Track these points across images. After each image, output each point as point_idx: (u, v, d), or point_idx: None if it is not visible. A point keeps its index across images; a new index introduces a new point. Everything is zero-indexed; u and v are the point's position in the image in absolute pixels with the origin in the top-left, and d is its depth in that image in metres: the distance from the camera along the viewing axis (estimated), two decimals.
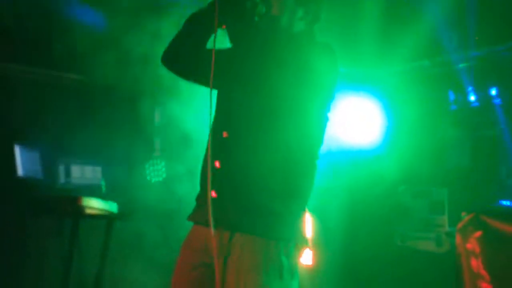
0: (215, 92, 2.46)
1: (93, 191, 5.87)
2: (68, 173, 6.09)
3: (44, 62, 6.35)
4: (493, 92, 6.47)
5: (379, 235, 6.14)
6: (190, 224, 2.59)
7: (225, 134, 2.39)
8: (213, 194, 2.34)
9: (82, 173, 6.17)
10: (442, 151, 6.70)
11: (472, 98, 6.58)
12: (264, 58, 2.40)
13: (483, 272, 4.31)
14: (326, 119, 2.54)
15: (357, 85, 6.88)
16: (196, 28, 2.56)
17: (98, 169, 6.28)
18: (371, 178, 6.46)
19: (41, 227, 5.35)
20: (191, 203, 2.64)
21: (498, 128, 6.28)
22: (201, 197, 2.50)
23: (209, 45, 2.55)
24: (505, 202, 5.36)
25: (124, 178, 6.16)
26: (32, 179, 5.89)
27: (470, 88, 6.57)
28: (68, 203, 4.83)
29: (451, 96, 6.70)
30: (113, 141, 6.40)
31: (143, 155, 6.84)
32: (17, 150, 5.87)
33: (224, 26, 2.50)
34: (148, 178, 6.23)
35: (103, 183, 6.10)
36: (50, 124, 6.14)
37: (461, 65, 6.64)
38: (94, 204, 4.88)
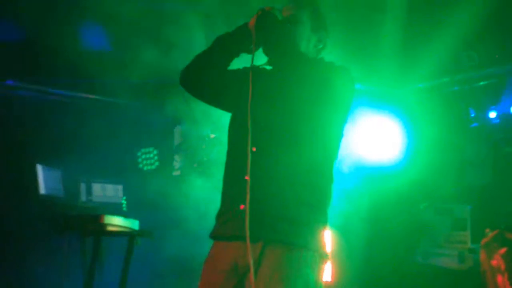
0: (239, 110, 2.63)
1: (114, 209, 5.91)
2: (89, 191, 6.15)
3: (66, 83, 6.44)
4: (491, 113, 6.45)
5: (400, 252, 6.09)
6: (210, 241, 2.61)
7: (253, 149, 2.46)
8: (242, 207, 2.42)
9: (103, 191, 6.22)
10: (464, 168, 6.66)
11: (493, 115, 6.55)
12: (286, 79, 2.59)
13: None
14: (343, 134, 2.69)
15: (378, 102, 6.88)
16: (224, 52, 2.70)
17: (119, 187, 6.33)
18: (392, 195, 6.43)
19: (63, 245, 5.38)
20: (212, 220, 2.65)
21: None
22: (228, 212, 2.55)
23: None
24: None
25: (145, 196, 6.19)
26: (54, 197, 5.94)
27: (491, 106, 6.55)
28: (90, 221, 4.85)
29: (472, 113, 6.67)
30: (134, 159, 6.47)
31: (163, 173, 6.89)
32: (39, 169, 5.94)
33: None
34: (141, 166, 6.18)
35: (124, 201, 6.14)
36: (72, 143, 6.21)
37: (481, 83, 6.62)
38: (115, 222, 4.89)
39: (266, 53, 2.70)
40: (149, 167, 5.56)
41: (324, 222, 2.55)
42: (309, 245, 2.42)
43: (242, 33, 2.66)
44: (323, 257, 2.49)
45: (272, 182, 2.45)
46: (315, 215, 2.50)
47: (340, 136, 2.68)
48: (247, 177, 2.42)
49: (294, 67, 2.61)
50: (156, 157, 6.13)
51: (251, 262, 2.32)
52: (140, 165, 5.36)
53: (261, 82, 2.61)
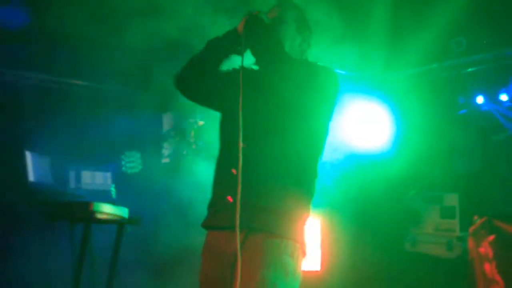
0: (229, 109, 2.81)
1: (104, 197, 5.90)
2: (78, 179, 6.12)
3: (53, 69, 6.39)
4: (502, 96, 6.46)
5: (389, 240, 6.12)
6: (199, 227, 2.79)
7: (243, 145, 2.61)
8: (230, 199, 2.63)
9: (92, 179, 6.19)
10: (452, 155, 6.69)
11: (480, 101, 6.56)
12: (272, 78, 2.76)
13: (497, 277, 4.30)
14: (328, 131, 2.88)
15: (366, 89, 6.88)
16: (215, 55, 2.88)
17: (108, 174, 6.31)
18: (381, 183, 6.44)
19: (52, 233, 5.36)
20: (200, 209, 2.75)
21: (508, 132, 6.26)
22: (217, 203, 2.76)
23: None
24: None
25: (134, 184, 6.18)
26: (43, 185, 5.91)
27: (479, 93, 6.56)
28: (79, 209, 4.84)
29: (460, 100, 6.69)
30: (124, 147, 6.43)
31: (152, 161, 6.87)
32: (28, 156, 5.90)
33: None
34: (123, 169, 6.21)
35: (113, 188, 6.12)
36: (60, 130, 6.17)
37: (469, 69, 6.63)
38: (105, 209, 4.88)
39: (254, 54, 2.86)
40: (132, 170, 5.57)
41: (306, 215, 2.73)
42: (289, 235, 2.62)
43: (232, 37, 2.82)
44: (302, 247, 2.68)
45: (258, 176, 2.64)
46: (298, 207, 2.69)
47: (325, 132, 2.85)
48: (233, 170, 2.61)
49: (279, 66, 2.78)
50: (139, 161, 6.12)
51: (238, 250, 2.47)
52: (124, 168, 5.37)
53: (249, 82, 2.75)
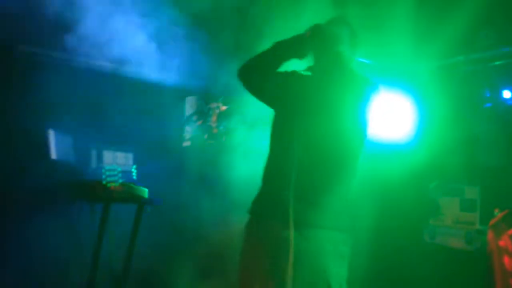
0: (287, 112, 3.14)
1: (125, 177, 5.94)
2: (100, 159, 6.17)
3: (79, 48, 6.42)
4: None
5: (408, 230, 6.09)
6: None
7: (302, 151, 2.97)
8: (286, 195, 2.94)
9: (114, 158, 6.23)
10: (476, 148, 6.62)
11: (507, 95, 6.48)
12: (330, 89, 3.07)
13: None
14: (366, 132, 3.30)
15: (391, 79, 6.82)
16: (283, 55, 3.16)
17: (130, 155, 6.35)
18: (402, 174, 6.40)
19: (72, 211, 5.41)
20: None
21: None
22: (274, 198, 3.04)
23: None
24: None
25: (155, 165, 6.20)
26: (65, 163, 5.96)
27: (506, 86, 6.48)
28: (99, 188, 4.88)
29: (486, 93, 6.61)
30: (145, 128, 6.46)
31: (174, 144, 6.91)
32: (50, 134, 5.95)
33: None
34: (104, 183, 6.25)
35: (134, 169, 6.16)
36: (83, 109, 6.20)
37: (497, 63, 6.55)
38: (125, 189, 4.93)
39: (317, 61, 3.20)
40: (113, 184, 5.63)
41: (350, 207, 3.11)
42: (341, 227, 3.02)
43: (300, 41, 3.12)
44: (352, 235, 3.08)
45: (315, 180, 3.00)
46: (343, 203, 3.06)
47: (364, 137, 3.26)
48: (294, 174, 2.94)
49: (337, 77, 3.10)
50: (120, 174, 6.14)
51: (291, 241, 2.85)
52: (104, 182, 5.48)
53: (307, 89, 3.10)
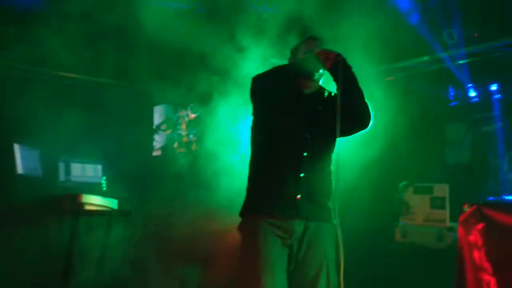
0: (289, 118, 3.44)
1: (94, 189, 5.87)
2: (68, 171, 6.10)
3: (44, 61, 6.36)
4: (493, 87, 6.48)
5: (379, 230, 6.12)
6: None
7: (305, 153, 3.32)
8: (298, 196, 3.31)
9: (82, 171, 6.17)
10: (442, 147, 6.71)
11: (472, 94, 6.58)
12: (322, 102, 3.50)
13: (486, 264, 4.29)
14: None
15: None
16: (297, 73, 3.46)
17: (99, 167, 6.29)
18: (371, 173, 6.44)
19: (41, 225, 5.34)
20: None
21: (498, 123, 6.29)
22: (282, 197, 3.33)
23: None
24: (509, 197, 5.35)
25: (124, 176, 6.16)
26: (32, 177, 5.88)
27: (470, 84, 6.57)
28: (68, 200, 4.83)
29: (451, 92, 6.70)
30: (114, 140, 6.41)
31: (144, 153, 6.87)
32: (16, 148, 5.87)
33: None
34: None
35: (104, 181, 6.10)
36: (50, 123, 6.14)
37: (461, 62, 6.63)
38: (94, 201, 4.88)
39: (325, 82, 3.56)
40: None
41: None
42: (335, 221, 3.43)
43: (317, 65, 3.40)
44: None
45: (317, 180, 3.39)
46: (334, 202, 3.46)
47: None
48: (300, 174, 3.32)
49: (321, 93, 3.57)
50: (105, 183, 6.13)
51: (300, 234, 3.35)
52: (104, 188, 5.45)
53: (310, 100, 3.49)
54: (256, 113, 3.51)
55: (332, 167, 3.48)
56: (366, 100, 3.40)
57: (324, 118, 3.42)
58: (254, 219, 3.36)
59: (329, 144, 3.43)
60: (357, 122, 3.41)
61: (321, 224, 3.43)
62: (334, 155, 3.46)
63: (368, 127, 3.42)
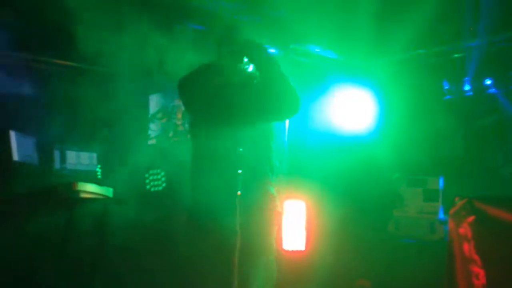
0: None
1: (89, 177, 5.89)
2: (63, 159, 6.10)
3: (41, 49, 6.35)
4: (488, 82, 6.50)
5: (372, 222, 6.17)
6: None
7: (240, 150, 3.27)
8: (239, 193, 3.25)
9: (77, 159, 6.18)
10: (436, 139, 6.73)
11: (467, 88, 6.60)
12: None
13: (475, 257, 4.35)
14: None
15: (353, 73, 6.89)
16: None
17: (94, 155, 6.29)
18: (365, 166, 6.48)
19: (36, 212, 5.36)
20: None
21: (494, 117, 6.31)
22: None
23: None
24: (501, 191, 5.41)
25: (119, 164, 6.17)
26: (28, 165, 5.89)
27: (465, 78, 6.59)
28: (63, 188, 4.84)
29: (446, 85, 6.72)
30: (110, 127, 6.42)
31: (139, 142, 6.86)
32: (12, 136, 5.86)
33: None
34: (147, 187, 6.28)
35: (99, 169, 6.12)
36: (46, 110, 6.14)
37: (456, 55, 6.65)
38: (89, 189, 4.90)
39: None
40: (156, 188, 5.65)
41: None
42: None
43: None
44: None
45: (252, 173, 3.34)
46: None
47: None
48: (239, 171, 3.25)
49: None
50: (163, 178, 6.19)
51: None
52: (148, 186, 5.47)
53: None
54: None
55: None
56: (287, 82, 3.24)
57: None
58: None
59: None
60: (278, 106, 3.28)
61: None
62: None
63: (295, 113, 3.29)
